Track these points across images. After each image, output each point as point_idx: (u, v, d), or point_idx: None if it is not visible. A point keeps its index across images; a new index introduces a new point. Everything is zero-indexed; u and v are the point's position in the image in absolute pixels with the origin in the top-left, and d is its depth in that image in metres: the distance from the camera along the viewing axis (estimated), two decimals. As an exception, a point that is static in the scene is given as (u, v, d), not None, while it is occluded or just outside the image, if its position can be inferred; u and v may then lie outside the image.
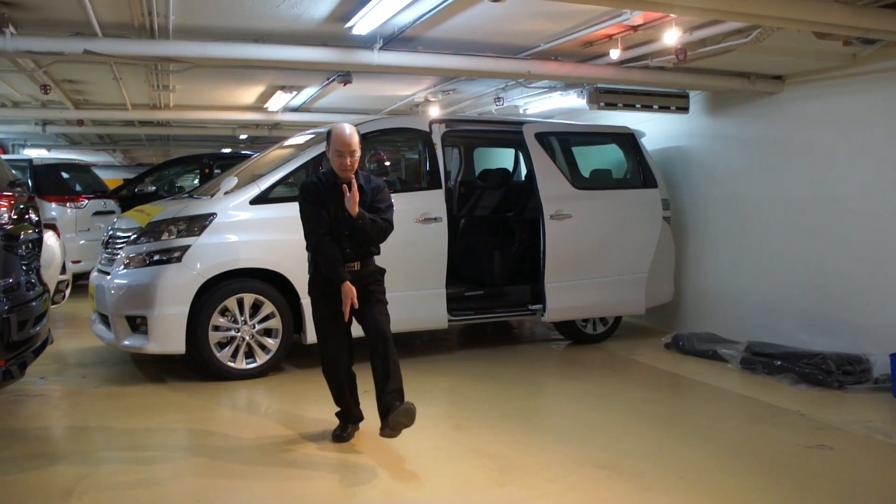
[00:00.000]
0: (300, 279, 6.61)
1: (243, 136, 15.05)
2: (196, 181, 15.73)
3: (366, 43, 6.53)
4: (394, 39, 6.48)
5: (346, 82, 8.17)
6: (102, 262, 7.08)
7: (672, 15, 5.82)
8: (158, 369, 6.94)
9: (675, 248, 8.85)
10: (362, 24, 6.00)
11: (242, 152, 15.16)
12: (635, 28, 6.26)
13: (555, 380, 7.26)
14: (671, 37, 6.07)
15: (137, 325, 6.44)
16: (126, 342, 6.47)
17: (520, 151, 9.65)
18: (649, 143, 8.87)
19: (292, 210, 6.54)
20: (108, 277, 6.65)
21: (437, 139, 7.45)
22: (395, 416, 4.58)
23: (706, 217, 8.98)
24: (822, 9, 5.24)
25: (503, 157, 10.67)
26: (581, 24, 6.33)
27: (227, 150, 16.02)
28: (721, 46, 6.42)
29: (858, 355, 6.82)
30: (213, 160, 13.77)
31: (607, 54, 7.00)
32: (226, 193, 6.70)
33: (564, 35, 6.63)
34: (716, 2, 4.98)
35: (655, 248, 8.42)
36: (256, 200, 6.68)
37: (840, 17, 5.30)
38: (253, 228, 6.63)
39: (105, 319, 6.77)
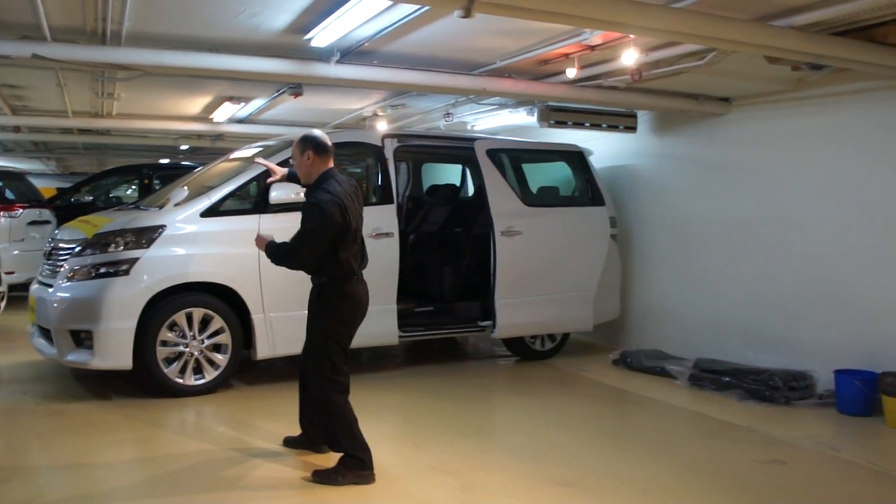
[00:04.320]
0: (250, 293, 6.53)
1: (184, 147, 14.76)
2: (132, 191, 15.47)
3: (322, 56, 6.46)
4: (351, 52, 6.42)
5: (297, 94, 8.07)
6: (44, 273, 6.85)
7: (631, 36, 5.89)
8: (102, 385, 6.72)
9: (622, 266, 8.95)
10: (322, 36, 5.93)
11: (182, 163, 14.88)
12: (593, 48, 6.31)
13: (506, 396, 7.26)
14: (629, 57, 6.14)
15: (82, 339, 6.23)
16: (70, 357, 6.26)
17: (468, 167, 9.67)
18: (597, 162, 8.96)
19: (244, 223, 6.54)
20: (51, 290, 6.44)
21: (389, 154, 7.41)
22: None
23: (652, 235, 9.09)
24: (778, 34, 5.35)
25: (451, 173, 10.67)
26: (539, 43, 6.36)
27: (166, 161, 15.70)
28: (675, 68, 6.53)
29: (803, 371, 6.96)
30: (153, 171, 13.52)
31: (562, 73, 7.04)
32: (176, 205, 6.55)
33: (521, 53, 6.65)
34: (676, 24, 5.05)
35: (603, 265, 8.49)
36: (207, 213, 6.54)
37: (794, 42, 5.42)
38: (203, 241, 6.48)
39: (46, 333, 6.54)
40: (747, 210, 7.90)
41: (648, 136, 9.11)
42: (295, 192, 6.48)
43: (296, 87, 7.97)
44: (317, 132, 4.88)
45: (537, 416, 6.35)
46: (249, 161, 7.21)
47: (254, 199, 6.76)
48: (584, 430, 6.02)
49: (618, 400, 7.17)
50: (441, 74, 6.97)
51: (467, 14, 4.42)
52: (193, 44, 6.38)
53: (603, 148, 9.32)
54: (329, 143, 4.81)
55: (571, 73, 6.62)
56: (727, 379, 7.19)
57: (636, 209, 9.29)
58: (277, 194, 6.39)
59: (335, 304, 4.66)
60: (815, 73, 6.57)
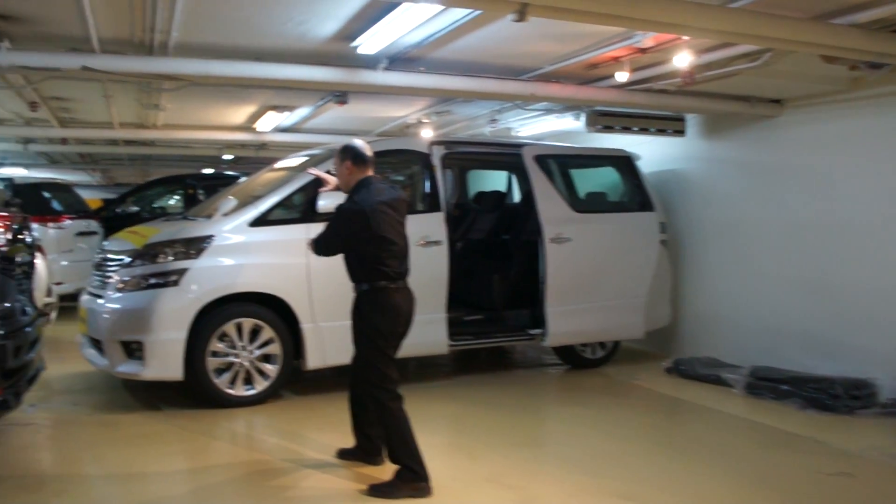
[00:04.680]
0: (300, 303, 6.49)
1: (228, 157, 14.85)
2: (174, 202, 15.54)
3: (369, 63, 6.41)
4: (398, 59, 6.37)
5: (342, 102, 8.04)
6: (94, 284, 6.87)
7: (684, 38, 5.76)
8: (153, 396, 6.71)
9: (673, 272, 8.79)
10: (369, 43, 5.88)
11: (225, 173, 14.94)
12: (644, 51, 6.19)
13: (559, 406, 7.14)
14: (682, 60, 6.00)
15: (133, 350, 6.22)
16: (121, 368, 6.26)
17: (514, 174, 9.55)
18: (645, 166, 8.80)
19: (293, 232, 6.50)
20: (101, 301, 6.45)
21: (436, 161, 7.33)
22: None
23: (703, 240, 8.92)
24: (838, 33, 5.21)
25: (496, 180, 10.56)
26: (589, 47, 6.25)
27: (210, 171, 15.78)
28: (728, 70, 6.38)
29: (864, 379, 6.76)
30: (197, 181, 13.57)
31: (610, 77, 6.93)
32: (224, 215, 6.53)
33: (571, 57, 6.55)
34: (733, 24, 4.93)
35: (654, 271, 8.34)
36: (256, 222, 6.51)
37: (855, 41, 5.27)
38: (252, 251, 6.45)
39: (97, 344, 6.55)
40: (803, 214, 7.71)
41: (697, 139, 8.95)
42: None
43: (341, 96, 7.94)
44: (357, 142, 4.88)
45: (591, 426, 6.23)
46: (296, 170, 7.19)
47: (302, 208, 6.71)
48: (639, 440, 5.89)
49: (673, 409, 7.02)
50: (489, 80, 6.89)
51: (521, 17, 4.34)
52: (240, 53, 6.39)
53: (650, 152, 9.16)
54: (368, 153, 4.83)
55: (622, 76, 6.50)
56: (786, 387, 7.01)
57: (686, 214, 9.12)
58: (325, 203, 6.28)
59: (370, 315, 4.68)
60: (874, 72, 6.36)
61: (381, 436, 4.82)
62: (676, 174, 9.25)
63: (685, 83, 6.37)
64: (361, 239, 4.60)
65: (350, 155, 4.81)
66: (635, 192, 8.54)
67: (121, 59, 6.10)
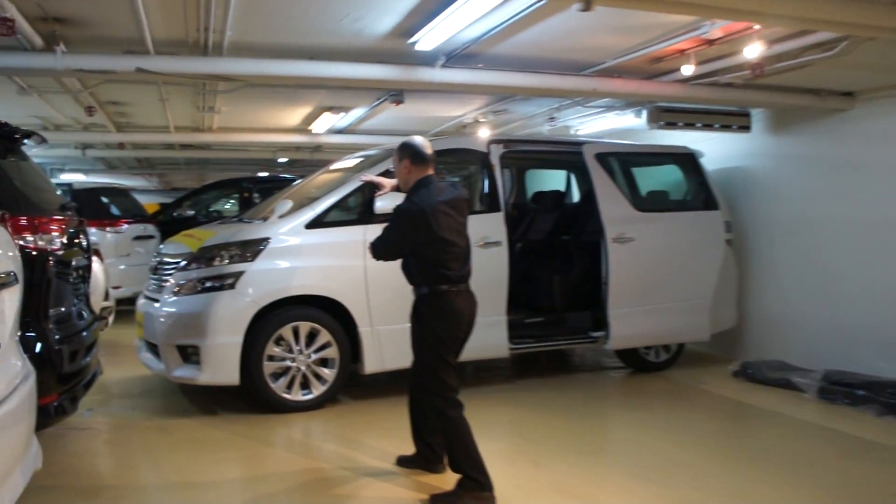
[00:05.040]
0: (358, 306, 6.36)
1: (282, 160, 14.84)
2: (230, 205, 15.59)
3: (427, 60, 6.25)
4: (455, 56, 6.20)
5: (398, 102, 7.90)
6: (150, 288, 6.83)
7: (755, 27, 5.50)
8: (209, 400, 6.64)
9: (738, 272, 8.49)
10: (427, 39, 5.71)
11: (280, 176, 14.95)
12: (711, 42, 5.93)
13: (624, 411, 6.89)
14: (752, 51, 5.73)
15: (189, 354, 6.15)
16: (177, 373, 6.19)
17: (572, 172, 9.33)
18: (708, 164, 8.51)
19: (350, 234, 6.40)
20: (157, 305, 6.39)
21: (495, 160, 7.15)
22: None
23: (770, 239, 8.61)
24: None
25: (555, 179, 10.32)
26: (654, 39, 6.00)
27: (264, 174, 15.81)
28: (800, 61, 6.08)
29: (946, 385, 6.42)
30: (253, 184, 13.57)
31: (675, 71, 6.68)
32: (280, 217, 6.42)
33: (634, 50, 6.30)
34: (812, 10, 4.67)
35: (719, 271, 8.07)
36: (312, 224, 6.40)
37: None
38: (308, 253, 6.34)
39: (153, 348, 6.49)
40: (878, 211, 7.39)
41: (763, 135, 8.65)
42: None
43: (397, 95, 7.80)
44: (417, 140, 4.70)
45: (659, 432, 5.98)
46: (352, 171, 7.08)
47: (359, 209, 6.58)
48: (710, 447, 5.64)
49: (743, 415, 6.74)
50: (549, 76, 6.68)
51: (587, 7, 4.15)
52: (294, 52, 6.27)
53: (714, 149, 8.87)
54: (428, 151, 4.64)
55: (688, 69, 6.24)
56: (862, 392, 6.70)
57: (752, 212, 8.81)
58: (382, 204, 6.18)
59: (430, 320, 4.48)
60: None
61: (442, 444, 4.64)
62: (742, 171, 8.94)
63: (754, 76, 6.10)
64: (421, 241, 4.42)
65: (409, 153, 4.63)
66: (699, 191, 8.29)
67: (175, 60, 6.04)
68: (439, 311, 4.46)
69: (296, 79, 6.25)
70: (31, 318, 4.36)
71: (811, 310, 8.10)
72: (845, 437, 5.89)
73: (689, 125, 8.24)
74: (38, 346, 4.43)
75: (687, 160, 8.36)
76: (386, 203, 6.28)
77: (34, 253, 4.53)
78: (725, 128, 8.46)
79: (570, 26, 5.57)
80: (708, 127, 8.37)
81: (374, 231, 6.32)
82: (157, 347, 6.33)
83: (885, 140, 7.37)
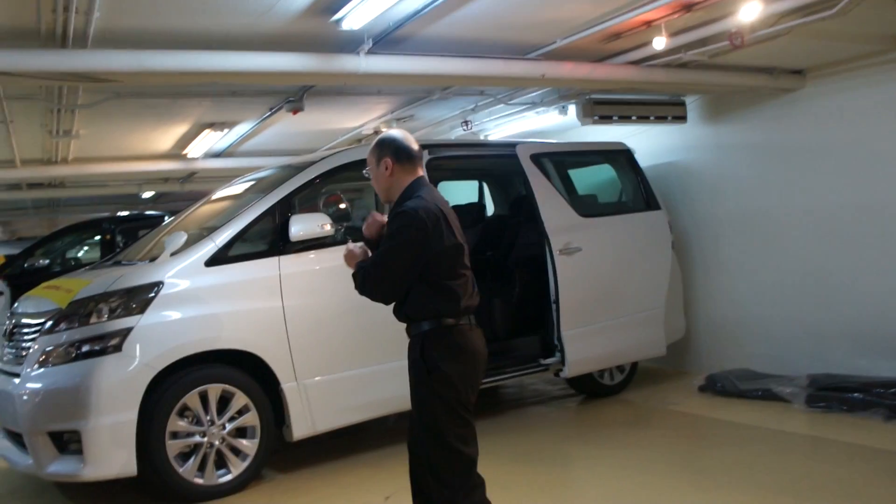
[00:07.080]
0: (278, 358, 5.18)
1: (147, 195, 13.29)
2: (89, 251, 13.91)
3: (350, 45, 5.08)
4: (384, 40, 5.05)
5: (296, 110, 6.71)
6: (5, 359, 5.39)
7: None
8: (99, 497, 5.22)
9: (682, 276, 7.74)
10: (353, 16, 4.52)
11: (147, 213, 13.44)
12: (689, 7, 5.00)
13: (609, 450, 5.68)
14: (750, 11, 4.83)
15: (67, 443, 4.77)
16: (52, 468, 4.76)
17: (483, 182, 8.35)
18: (640, 160, 7.71)
19: (260, 269, 5.22)
20: (17, 381, 4.96)
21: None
22: None
23: (715, 237, 7.89)
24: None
25: (465, 191, 9.28)
26: (621, 8, 5.02)
27: (127, 213, 14.22)
28: (794, 24, 5.18)
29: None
30: (115, 224, 12.05)
31: (628, 51, 5.83)
32: (172, 254, 5.12)
33: (596, 24, 5.28)
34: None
35: (669, 276, 7.29)
36: (213, 261, 5.14)
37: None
38: (212, 298, 5.10)
39: (16, 437, 5.07)
40: (839, 198, 6.81)
41: (700, 125, 7.97)
42: (320, 224, 5.26)
43: (296, 101, 6.64)
44: (396, 133, 3.49)
45: (664, 473, 5.09)
46: (249, 194, 5.88)
47: (270, 237, 5.37)
48: (735, 485, 4.72)
49: (739, 437, 5.84)
50: (493, 61, 5.57)
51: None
52: (184, 39, 4.86)
53: (644, 144, 8.08)
54: (414, 146, 3.44)
55: (660, 43, 5.31)
56: (860, 396, 6.03)
57: (691, 210, 8.09)
58: (298, 228, 5.20)
59: (448, 365, 3.22)
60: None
61: None
62: (675, 166, 8.24)
63: (734, 47, 5.26)
64: (437, 248, 3.23)
65: (390, 150, 3.38)
66: (638, 190, 7.51)
67: (23, 55, 4.50)
68: (450, 350, 3.25)
69: (184, 75, 4.84)
70: None
71: (769, 311, 7.40)
72: (868, 452, 5.12)
73: (625, 118, 7.46)
74: None
75: (623, 157, 7.60)
76: (303, 227, 5.24)
77: None
78: (660, 119, 7.73)
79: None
80: (644, 119, 7.64)
81: (292, 263, 5.26)
82: (22, 436, 4.90)
83: (839, 119, 6.80)
